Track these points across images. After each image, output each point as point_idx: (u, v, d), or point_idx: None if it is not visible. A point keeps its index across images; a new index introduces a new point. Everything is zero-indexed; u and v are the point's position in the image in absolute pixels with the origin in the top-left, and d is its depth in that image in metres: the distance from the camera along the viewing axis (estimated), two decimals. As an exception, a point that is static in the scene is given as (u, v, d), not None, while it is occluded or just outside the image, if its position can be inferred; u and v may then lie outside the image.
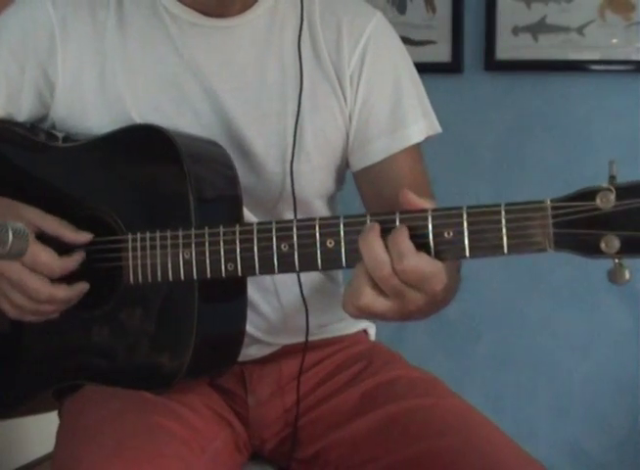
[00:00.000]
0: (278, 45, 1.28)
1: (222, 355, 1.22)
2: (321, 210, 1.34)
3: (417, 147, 1.32)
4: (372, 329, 1.45)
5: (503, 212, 0.96)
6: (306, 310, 1.26)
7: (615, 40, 2.35)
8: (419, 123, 1.32)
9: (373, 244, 0.96)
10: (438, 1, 2.47)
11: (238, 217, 1.20)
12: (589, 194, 0.92)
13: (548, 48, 2.40)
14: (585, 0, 2.36)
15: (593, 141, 2.42)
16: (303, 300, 1.25)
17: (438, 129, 1.35)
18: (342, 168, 1.35)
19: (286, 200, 1.28)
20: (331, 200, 1.37)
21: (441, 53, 2.45)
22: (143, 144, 1.20)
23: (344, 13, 1.31)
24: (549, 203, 0.93)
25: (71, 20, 1.27)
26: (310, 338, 1.33)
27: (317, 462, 1.26)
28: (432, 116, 1.35)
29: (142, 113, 1.24)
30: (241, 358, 1.24)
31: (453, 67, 2.45)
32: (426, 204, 0.99)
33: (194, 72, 1.26)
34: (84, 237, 1.19)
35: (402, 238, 0.96)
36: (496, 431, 1.20)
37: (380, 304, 0.97)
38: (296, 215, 1.25)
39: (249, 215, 1.26)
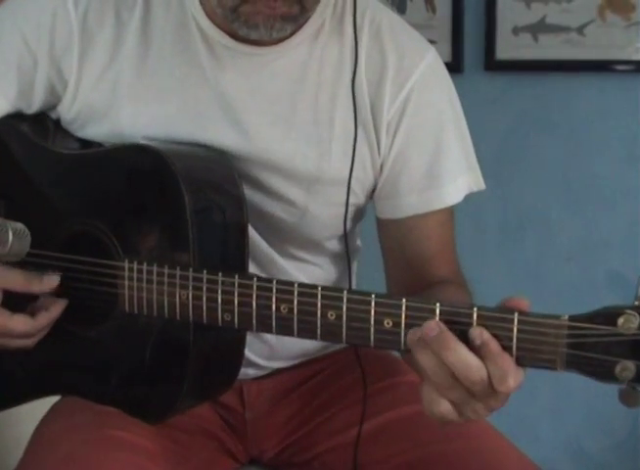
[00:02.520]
0: (313, 82, 1.17)
1: (217, 386, 1.18)
2: (333, 247, 1.28)
3: (450, 210, 1.23)
4: None
5: (516, 321, 0.88)
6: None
7: (615, 40, 2.35)
8: (457, 183, 1.21)
9: (461, 352, 0.88)
10: (438, 1, 2.47)
11: (242, 245, 1.12)
12: (611, 316, 0.85)
13: (548, 48, 2.39)
14: (585, 0, 2.35)
15: (593, 141, 2.41)
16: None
17: (482, 186, 1.24)
18: (362, 210, 1.27)
19: (297, 238, 1.23)
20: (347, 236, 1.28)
21: (441, 53, 2.38)
22: (142, 167, 1.11)
23: (392, 52, 1.18)
24: (567, 321, 0.87)
25: (92, 19, 1.17)
26: (313, 356, 1.33)
27: (313, 465, 1.25)
28: (476, 171, 1.24)
29: (153, 134, 1.16)
30: (238, 376, 1.20)
31: (453, 67, 2.44)
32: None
33: (218, 98, 1.15)
34: (51, 283, 1.12)
35: (506, 359, 0.88)
36: (499, 437, 1.20)
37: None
38: (349, 266, 1.20)
39: (260, 242, 1.21)
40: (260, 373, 1.30)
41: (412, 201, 1.21)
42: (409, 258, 1.23)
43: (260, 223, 1.19)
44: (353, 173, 1.18)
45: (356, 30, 1.16)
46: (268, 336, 1.26)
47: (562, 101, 2.43)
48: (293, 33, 1.15)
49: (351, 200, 1.20)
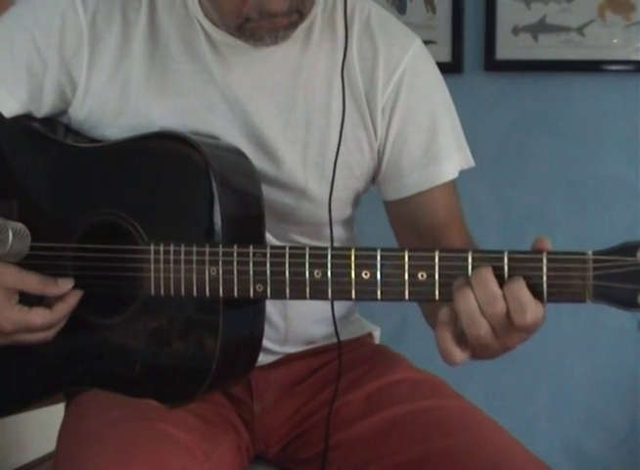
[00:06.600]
0: (309, 72, 1.23)
1: (241, 367, 1.20)
2: (335, 233, 1.29)
3: (452, 182, 1.29)
4: (377, 332, 1.44)
5: (545, 261, 0.96)
6: (334, 320, 1.24)
7: (615, 40, 2.36)
8: (453, 159, 1.28)
9: (489, 281, 0.97)
10: (438, 1, 2.47)
11: (260, 235, 1.17)
12: (630, 249, 0.94)
13: (548, 48, 2.40)
14: (585, 0, 2.36)
15: (593, 141, 2.42)
16: (333, 317, 1.24)
17: (472, 163, 1.31)
18: (361, 195, 1.32)
19: (298, 224, 1.26)
20: (346, 222, 1.34)
21: (441, 53, 2.44)
22: (169, 153, 1.16)
23: (382, 41, 1.25)
24: (591, 255, 0.95)
25: (100, 20, 1.21)
26: (318, 344, 1.34)
27: (317, 462, 1.25)
28: (466, 149, 1.31)
29: (167, 126, 1.20)
30: None
31: (453, 67, 2.45)
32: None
33: (224, 93, 1.21)
34: (66, 286, 1.15)
35: (523, 290, 0.97)
36: (502, 432, 1.20)
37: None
38: (332, 242, 1.22)
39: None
40: (269, 359, 1.31)
41: (415, 179, 1.27)
42: (422, 233, 1.28)
43: (270, 215, 1.21)
44: (352, 156, 1.25)
45: (347, 21, 1.23)
46: (277, 320, 1.29)
47: (562, 101, 2.43)
48: None
49: (352, 183, 1.27)
